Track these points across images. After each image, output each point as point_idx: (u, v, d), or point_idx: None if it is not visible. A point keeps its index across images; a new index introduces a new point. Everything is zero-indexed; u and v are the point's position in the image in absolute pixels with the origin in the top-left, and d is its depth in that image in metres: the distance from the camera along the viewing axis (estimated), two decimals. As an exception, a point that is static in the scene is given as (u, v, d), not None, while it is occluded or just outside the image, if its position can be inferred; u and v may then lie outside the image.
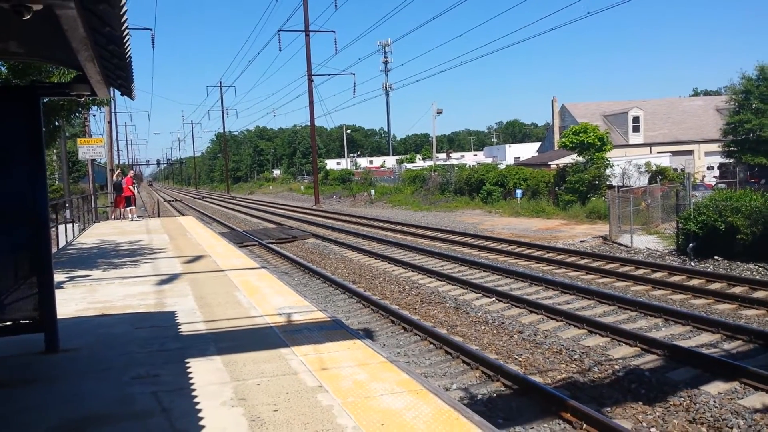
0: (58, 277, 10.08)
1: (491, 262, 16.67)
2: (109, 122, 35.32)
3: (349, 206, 47.29)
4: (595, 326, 9.93)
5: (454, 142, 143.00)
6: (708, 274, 13.73)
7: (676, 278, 13.70)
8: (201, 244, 16.21)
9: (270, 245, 21.95)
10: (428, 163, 65.75)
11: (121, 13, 3.79)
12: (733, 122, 39.94)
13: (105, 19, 3.90)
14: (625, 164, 32.70)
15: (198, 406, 4.70)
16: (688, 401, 6.99)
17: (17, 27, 4.66)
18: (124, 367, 5.77)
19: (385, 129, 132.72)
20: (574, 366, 8.41)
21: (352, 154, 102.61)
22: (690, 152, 49.41)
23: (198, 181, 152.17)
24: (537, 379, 7.88)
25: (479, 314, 11.35)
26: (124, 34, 4.24)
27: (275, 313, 7.82)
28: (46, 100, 11.56)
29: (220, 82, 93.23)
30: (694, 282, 13.25)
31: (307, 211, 41.62)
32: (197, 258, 13.51)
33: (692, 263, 15.65)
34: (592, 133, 32.11)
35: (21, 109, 6.16)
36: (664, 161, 37.91)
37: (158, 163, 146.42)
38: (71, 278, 11.05)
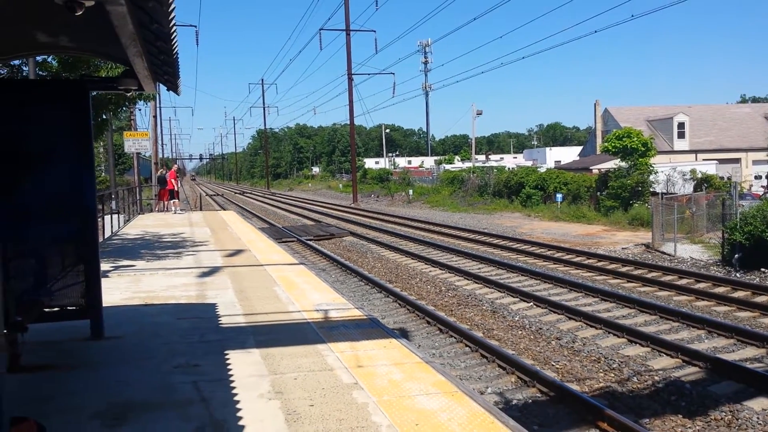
0: (103, 266, 10.33)
1: (529, 267, 16.51)
2: (155, 116, 36.09)
3: (387, 206, 47.35)
4: (635, 335, 9.75)
5: (493, 144, 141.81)
6: (754, 287, 13.34)
7: (720, 289, 13.35)
8: (241, 239, 16.45)
9: (308, 242, 22.14)
10: (467, 164, 65.24)
11: (170, 10, 3.86)
12: (782, 130, 38.74)
13: (153, 16, 3.98)
14: (670, 171, 31.95)
15: (236, 398, 4.78)
16: (730, 416, 6.82)
17: (68, 22, 4.79)
18: (166, 357, 5.91)
19: (424, 129, 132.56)
20: (613, 375, 8.27)
21: (390, 154, 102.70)
22: (737, 160, 48.04)
23: (239, 176, 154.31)
24: (574, 387, 7.78)
25: (516, 319, 11.25)
26: (172, 30, 4.33)
27: (312, 309, 7.89)
28: (94, 93, 11.86)
29: (262, 80, 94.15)
30: (739, 294, 12.89)
31: (345, 209, 41.83)
32: (237, 252, 13.72)
33: (738, 275, 15.23)
34: (635, 138, 31.43)
35: (71, 102, 6.31)
36: (710, 169, 36.86)
37: (201, 158, 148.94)
38: (116, 268, 11.35)
